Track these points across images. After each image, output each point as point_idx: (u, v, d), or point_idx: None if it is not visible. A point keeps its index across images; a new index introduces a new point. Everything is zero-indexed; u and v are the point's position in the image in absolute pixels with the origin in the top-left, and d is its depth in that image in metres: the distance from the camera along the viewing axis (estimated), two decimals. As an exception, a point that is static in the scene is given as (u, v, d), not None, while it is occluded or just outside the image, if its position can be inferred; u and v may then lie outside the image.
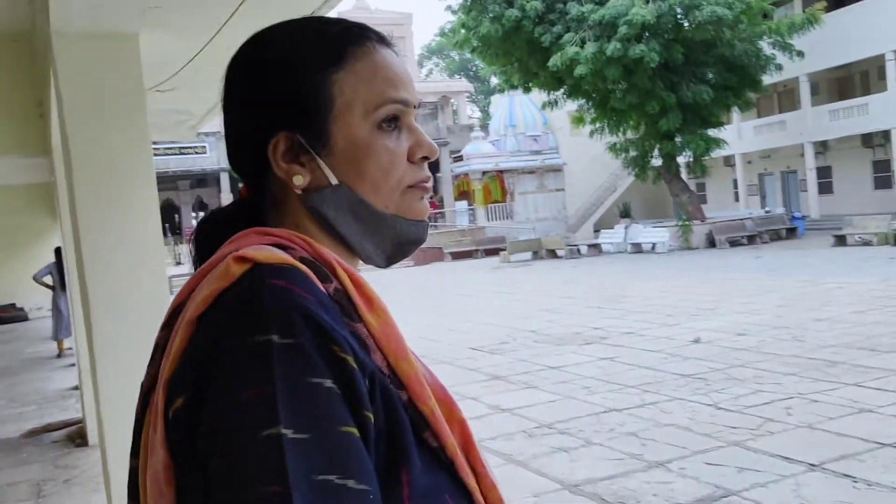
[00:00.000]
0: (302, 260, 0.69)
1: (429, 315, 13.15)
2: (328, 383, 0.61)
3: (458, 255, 28.99)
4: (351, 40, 0.77)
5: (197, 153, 35.82)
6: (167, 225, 38.46)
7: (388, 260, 0.82)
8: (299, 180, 0.75)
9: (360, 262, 0.82)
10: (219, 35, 2.86)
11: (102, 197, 2.41)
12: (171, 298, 0.74)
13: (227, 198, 36.03)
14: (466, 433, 0.75)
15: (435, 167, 37.08)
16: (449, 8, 26.69)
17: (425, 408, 0.70)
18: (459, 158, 35.35)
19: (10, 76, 4.26)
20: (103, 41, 2.34)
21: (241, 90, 0.78)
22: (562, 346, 9.16)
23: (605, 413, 6.01)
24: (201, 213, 42.07)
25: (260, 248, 0.68)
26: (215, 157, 35.79)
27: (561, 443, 5.36)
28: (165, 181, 38.18)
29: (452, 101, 52.45)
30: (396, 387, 0.69)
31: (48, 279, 11.22)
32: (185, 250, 33.77)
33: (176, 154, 35.24)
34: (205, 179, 39.33)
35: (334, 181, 0.75)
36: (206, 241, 0.79)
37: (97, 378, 2.53)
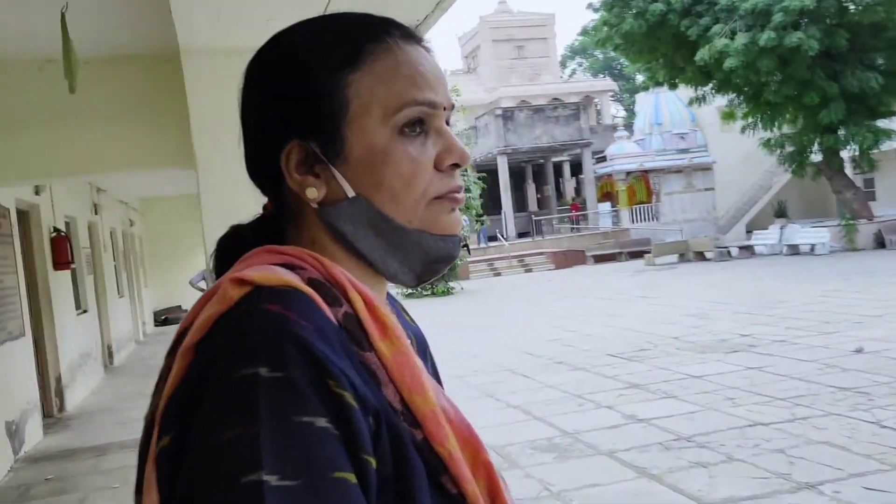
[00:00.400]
0: (310, 281, 0.64)
1: (566, 320, 12.93)
2: (322, 422, 0.55)
3: (600, 259, 28.37)
4: (369, 36, 0.70)
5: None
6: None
7: (418, 279, 0.74)
8: (313, 193, 0.69)
9: (388, 281, 0.75)
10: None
11: (226, 207, 2.52)
12: None
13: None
14: (493, 478, 0.67)
15: (578, 169, 36.56)
16: (591, 6, 26.22)
17: (442, 449, 0.63)
18: (603, 159, 34.61)
19: (162, 94, 4.58)
20: (227, 56, 2.45)
21: (253, 95, 0.73)
22: (706, 353, 8.70)
23: (751, 427, 5.64)
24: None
25: (262, 269, 0.63)
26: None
27: (700, 457, 5.07)
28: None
29: (596, 100, 51.48)
30: (410, 424, 0.62)
31: (202, 284, 12.03)
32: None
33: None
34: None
35: (351, 193, 0.69)
36: (227, 259, 0.74)
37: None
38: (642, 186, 33.18)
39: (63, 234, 8.56)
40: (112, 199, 13.12)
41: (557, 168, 38.72)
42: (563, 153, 36.69)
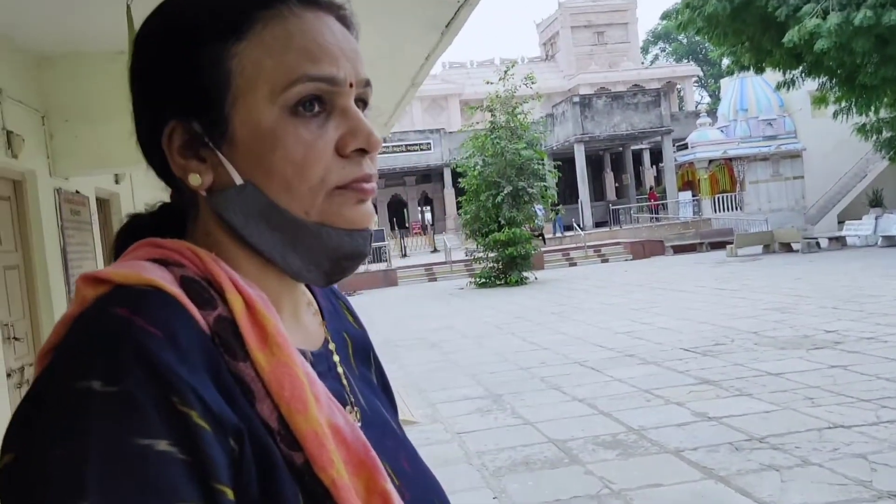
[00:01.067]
0: (182, 280, 0.56)
1: (640, 311, 12.59)
2: (162, 445, 0.48)
3: (680, 249, 27.56)
4: (261, 2, 0.60)
5: (422, 150, 37.45)
6: (394, 219, 40.74)
7: (327, 277, 0.65)
8: (196, 180, 0.61)
9: (295, 280, 0.66)
10: (372, 26, 2.85)
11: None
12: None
13: (449, 192, 37.32)
14: None
15: (658, 157, 35.64)
16: (672, -12, 25.42)
17: (325, 476, 0.55)
18: (684, 147, 33.59)
19: None
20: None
21: (135, 66, 0.64)
22: (786, 350, 8.29)
23: (830, 429, 5.31)
24: (427, 208, 44.09)
25: (125, 266, 0.56)
26: (439, 153, 37.17)
27: (773, 460, 4.80)
28: (393, 177, 40.46)
29: (679, 87, 50.06)
30: (289, 446, 0.55)
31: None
32: (410, 243, 35.53)
33: (403, 151, 37.11)
34: (429, 175, 41.05)
35: (239, 180, 0.60)
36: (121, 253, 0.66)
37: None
38: (725, 175, 32.04)
39: (142, 221, 8.83)
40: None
41: (636, 156, 37.87)
42: (643, 141, 35.84)
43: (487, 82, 22.34)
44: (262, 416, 0.55)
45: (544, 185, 21.17)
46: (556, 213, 30.97)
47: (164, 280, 0.56)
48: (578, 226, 30.33)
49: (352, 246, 0.63)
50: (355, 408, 0.68)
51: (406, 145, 37.09)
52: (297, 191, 0.60)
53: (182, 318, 0.54)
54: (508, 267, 20.43)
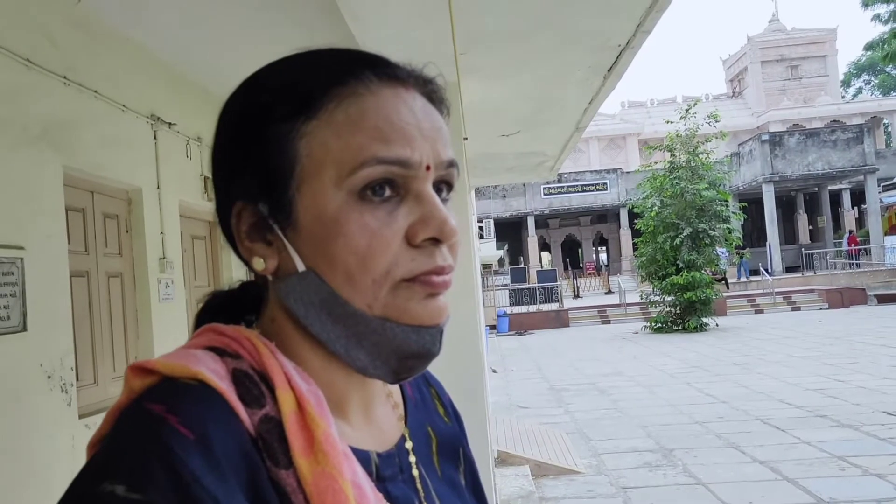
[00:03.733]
0: (234, 373, 0.54)
1: (835, 367, 11.47)
2: None
3: (885, 299, 24.90)
4: (333, 79, 0.57)
5: (598, 190, 36.97)
6: (568, 259, 40.33)
7: (395, 375, 0.60)
8: (259, 264, 0.59)
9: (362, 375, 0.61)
10: (533, 75, 2.83)
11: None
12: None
13: (625, 233, 36.47)
14: None
15: (860, 198, 32.76)
16: (877, 17, 23.52)
17: None
18: (892, 187, 30.59)
19: None
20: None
21: (213, 147, 0.63)
22: None
23: None
24: (601, 248, 43.30)
25: (176, 356, 0.54)
26: (615, 193, 36.53)
27: None
28: (568, 217, 40.20)
29: (886, 121, 45.97)
30: None
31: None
32: (584, 284, 34.95)
33: (578, 192, 36.84)
34: (605, 215, 40.37)
35: (301, 267, 0.57)
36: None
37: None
38: (942, 218, 28.76)
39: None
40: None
41: (834, 197, 35.01)
42: (842, 180, 33.10)
43: (668, 121, 21.72)
44: None
45: (727, 228, 20.08)
46: (741, 257, 29.23)
47: (213, 373, 0.53)
48: (766, 270, 28.39)
49: (418, 344, 0.58)
50: None
51: (582, 185, 36.78)
52: (359, 282, 0.56)
53: (222, 418, 0.51)
54: (687, 312, 19.49)
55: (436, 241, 0.58)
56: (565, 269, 36.47)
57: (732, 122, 43.44)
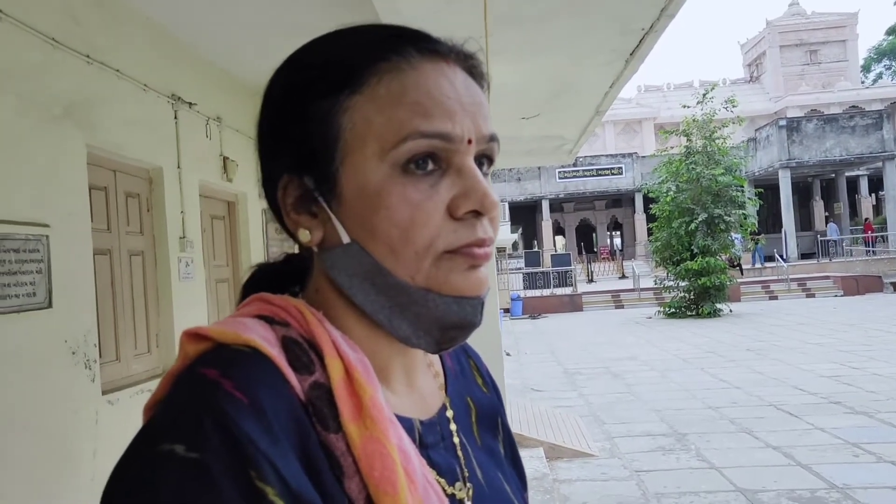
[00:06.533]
0: (284, 341, 0.55)
1: (850, 354, 11.42)
2: None
3: (902, 287, 24.74)
4: (376, 54, 0.58)
5: (613, 174, 36.79)
6: (582, 243, 40.21)
7: (438, 345, 0.61)
8: (305, 236, 0.60)
9: (405, 344, 0.62)
10: (556, 58, 2.82)
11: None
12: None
13: (640, 218, 36.31)
14: None
15: (878, 184, 32.41)
16: (899, 0, 23.14)
17: None
18: (911, 173, 30.24)
19: None
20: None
21: (259, 121, 0.64)
22: None
23: None
24: (616, 233, 43.13)
25: (228, 323, 0.56)
26: (630, 178, 36.34)
27: None
28: (583, 201, 40.05)
29: (905, 107, 45.35)
30: None
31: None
32: (598, 268, 34.86)
33: (593, 175, 36.66)
34: (620, 200, 40.19)
35: (346, 239, 0.58)
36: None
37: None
38: (961, 205, 28.42)
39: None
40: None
41: (851, 184, 34.67)
42: (860, 167, 32.74)
43: (684, 106, 21.54)
44: (350, 495, 0.52)
45: (743, 213, 19.94)
46: (756, 243, 29.04)
47: (264, 340, 0.55)
48: (781, 257, 28.22)
49: (460, 315, 0.59)
50: (468, 483, 0.64)
51: (597, 169, 36.61)
52: (402, 254, 0.57)
53: (274, 383, 0.52)
54: (701, 297, 19.43)
55: (477, 214, 0.58)
56: (579, 253, 36.37)
57: (750, 107, 43.00)
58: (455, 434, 0.67)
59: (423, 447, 0.62)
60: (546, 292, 25.75)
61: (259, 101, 0.64)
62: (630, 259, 35.99)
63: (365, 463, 0.53)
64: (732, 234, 20.31)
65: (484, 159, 0.62)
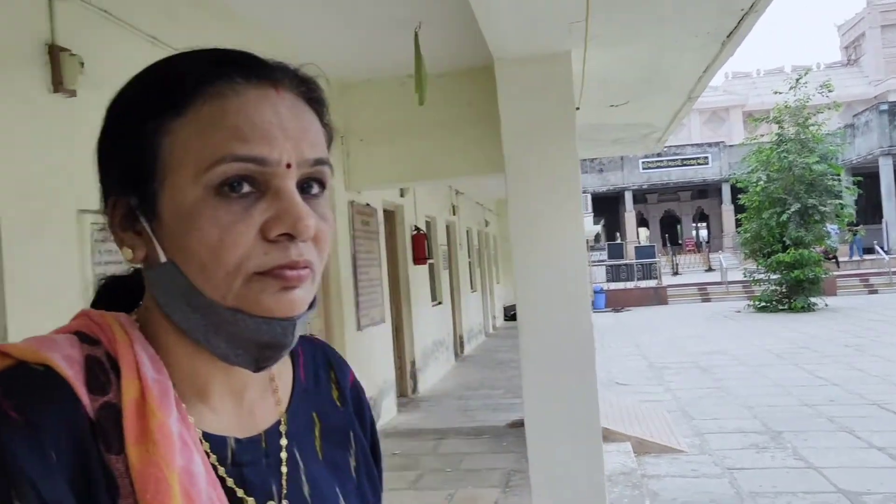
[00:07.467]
0: (87, 359, 0.57)
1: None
2: None
3: None
4: (201, 78, 0.60)
5: (699, 164, 35.81)
6: (666, 235, 39.32)
7: (256, 363, 0.62)
8: (127, 254, 0.62)
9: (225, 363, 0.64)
10: (649, 42, 2.75)
11: (531, 209, 2.53)
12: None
13: (728, 209, 35.21)
14: None
15: None
16: None
17: None
18: None
19: (479, 106, 4.81)
20: (536, 63, 2.46)
21: (98, 137, 0.66)
22: None
23: None
24: (702, 224, 41.96)
25: (34, 340, 0.58)
26: (717, 168, 35.28)
27: None
28: (667, 192, 39.14)
29: None
30: None
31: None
32: (683, 260, 34.01)
33: (678, 166, 35.77)
34: (706, 190, 39.08)
35: (163, 258, 0.60)
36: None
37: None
38: None
39: (422, 232, 9.48)
40: (469, 200, 14.21)
41: (961, 170, 32.61)
42: (969, 153, 30.76)
43: (776, 92, 20.72)
44: None
45: (839, 203, 19.06)
46: (854, 235, 27.71)
47: (64, 359, 0.57)
48: (882, 249, 26.82)
49: (270, 335, 0.60)
50: (284, 501, 0.66)
51: (682, 159, 35.68)
52: (213, 274, 0.58)
53: (58, 403, 0.55)
54: (793, 291, 18.67)
55: (290, 237, 0.59)
56: (664, 245, 35.58)
57: (847, 92, 41.02)
58: (283, 449, 0.68)
59: (237, 465, 0.64)
60: (630, 285, 25.29)
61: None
62: (716, 251, 34.95)
63: (140, 485, 0.54)
64: (828, 225, 19.46)
65: (313, 182, 0.62)
